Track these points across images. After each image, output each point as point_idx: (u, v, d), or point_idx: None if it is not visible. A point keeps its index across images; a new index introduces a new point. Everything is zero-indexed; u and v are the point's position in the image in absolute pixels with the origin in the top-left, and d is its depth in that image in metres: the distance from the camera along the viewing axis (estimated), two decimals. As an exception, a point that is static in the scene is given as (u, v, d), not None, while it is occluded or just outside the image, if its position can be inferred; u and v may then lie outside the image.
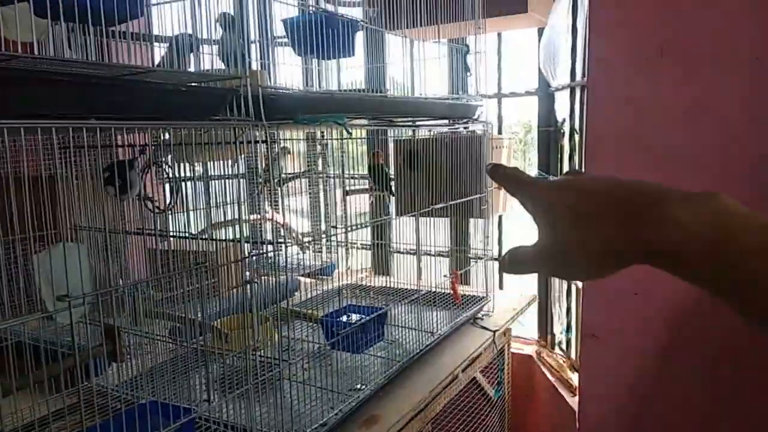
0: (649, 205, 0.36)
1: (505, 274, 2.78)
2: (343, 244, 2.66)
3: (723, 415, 1.62)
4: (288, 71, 1.71)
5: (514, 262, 0.46)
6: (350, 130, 1.35)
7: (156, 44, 1.23)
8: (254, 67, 1.87)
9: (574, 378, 2.30)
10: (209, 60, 1.37)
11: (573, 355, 2.43)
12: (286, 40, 1.66)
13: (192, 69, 1.25)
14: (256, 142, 1.07)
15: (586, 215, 0.39)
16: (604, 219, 0.38)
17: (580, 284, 2.22)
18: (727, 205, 0.35)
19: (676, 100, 1.56)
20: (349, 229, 2.00)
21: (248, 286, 1.10)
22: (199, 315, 1.30)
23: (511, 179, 0.46)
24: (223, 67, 1.32)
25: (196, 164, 1.25)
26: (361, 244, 2.77)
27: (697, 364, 1.64)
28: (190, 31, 1.12)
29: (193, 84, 1.06)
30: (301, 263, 2.52)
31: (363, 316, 1.60)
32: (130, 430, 0.94)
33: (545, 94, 2.52)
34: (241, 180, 1.23)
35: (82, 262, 1.20)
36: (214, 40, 1.32)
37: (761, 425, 1.56)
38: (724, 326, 1.57)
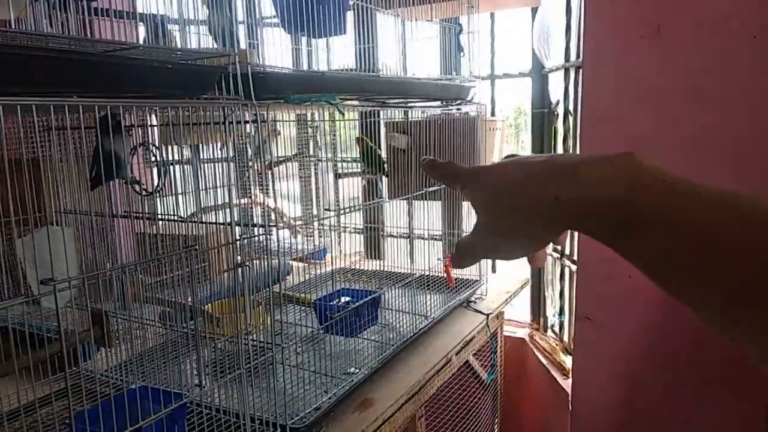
0: (563, 169, 0.38)
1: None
2: (335, 228, 2.64)
3: (714, 398, 1.63)
4: (277, 51, 1.67)
5: (460, 253, 0.47)
6: (342, 110, 1.32)
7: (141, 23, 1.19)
8: (242, 46, 1.83)
9: (567, 361, 2.31)
10: (198, 39, 1.34)
11: (566, 338, 2.44)
12: (274, 20, 1.62)
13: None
14: (246, 122, 1.04)
15: (507, 187, 0.41)
16: (523, 187, 0.40)
17: (573, 267, 2.22)
18: (638, 163, 0.35)
19: (674, 79, 1.54)
20: (341, 212, 1.97)
21: (240, 269, 1.07)
22: (190, 299, 1.27)
23: (446, 173, 0.47)
24: (211, 45, 1.29)
25: (184, 146, 1.21)
26: (353, 228, 2.75)
27: (690, 346, 1.64)
28: (175, 9, 1.08)
29: (180, 62, 1.02)
30: (293, 247, 2.49)
31: (357, 300, 1.58)
32: (120, 415, 0.92)
33: (539, 75, 2.50)
34: (231, 163, 1.20)
35: (68, 245, 1.18)
36: (201, 20, 1.28)
37: (752, 405, 1.57)
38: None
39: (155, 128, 1.37)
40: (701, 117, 1.50)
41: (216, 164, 1.24)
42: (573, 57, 2.20)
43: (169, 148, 1.26)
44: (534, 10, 2.40)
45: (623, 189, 0.34)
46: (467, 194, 0.45)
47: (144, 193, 1.20)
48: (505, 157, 0.46)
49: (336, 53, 1.96)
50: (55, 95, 0.79)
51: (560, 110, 2.38)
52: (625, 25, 1.58)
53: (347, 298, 1.65)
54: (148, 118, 1.40)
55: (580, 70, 1.89)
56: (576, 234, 2.05)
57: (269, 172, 2.34)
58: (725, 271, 0.31)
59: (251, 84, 1.06)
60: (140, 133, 1.40)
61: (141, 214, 1.27)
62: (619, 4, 1.60)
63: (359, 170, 2.29)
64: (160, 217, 1.24)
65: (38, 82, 0.72)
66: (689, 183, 0.33)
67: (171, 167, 1.31)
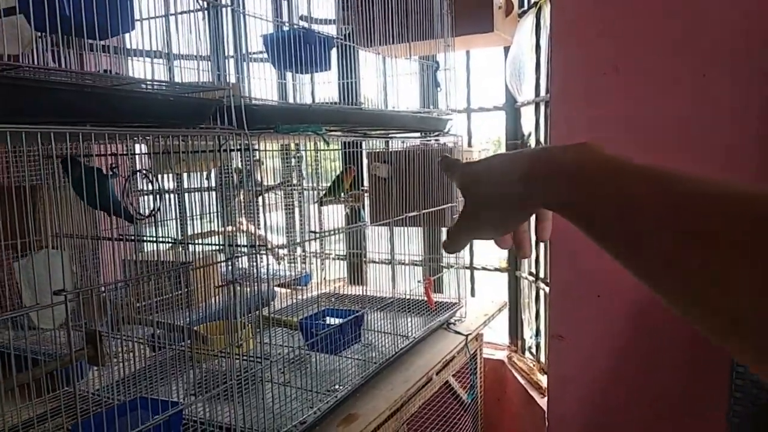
0: (529, 154, 0.46)
1: (469, 272, 2.87)
2: (318, 254, 2.71)
3: (687, 411, 1.72)
4: (262, 85, 1.78)
5: (450, 236, 0.55)
6: (328, 140, 1.42)
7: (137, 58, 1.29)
8: (232, 80, 1.93)
9: (544, 380, 2.39)
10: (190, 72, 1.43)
11: (542, 359, 2.52)
12: (260, 55, 1.73)
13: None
14: (239, 150, 1.13)
15: (485, 173, 0.50)
16: (496, 171, 0.49)
17: (547, 290, 2.32)
18: (591, 148, 0.42)
19: (631, 113, 1.68)
20: (323, 235, 2.05)
21: (232, 285, 1.15)
22: (183, 319, 1.34)
23: (447, 167, 0.57)
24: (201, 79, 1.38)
25: (179, 173, 1.30)
26: (336, 255, 2.83)
27: (659, 361, 1.74)
28: (174, 45, 1.18)
29: (181, 95, 1.11)
30: (277, 273, 2.56)
31: (341, 319, 1.65)
32: (121, 424, 0.98)
33: (512, 108, 2.64)
34: (222, 187, 1.28)
35: (65, 267, 1.24)
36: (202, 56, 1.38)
37: (721, 419, 1.66)
38: (684, 324, 1.68)
39: (146, 156, 1.46)
40: (657, 149, 1.64)
41: (206, 191, 1.33)
42: (543, 92, 2.34)
43: (165, 175, 1.34)
44: (506, 49, 2.55)
45: (575, 167, 0.41)
46: (457, 181, 0.54)
47: (139, 216, 1.28)
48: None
49: (319, 87, 2.08)
50: (64, 125, 0.87)
51: (532, 141, 2.51)
52: (587, 64, 1.73)
53: (333, 318, 1.72)
54: (139, 147, 1.49)
55: (549, 105, 2.03)
56: (548, 255, 2.15)
57: (256, 199, 2.42)
58: (647, 237, 0.34)
59: (244, 115, 1.16)
60: (135, 160, 1.48)
61: (137, 237, 1.34)
62: (581, 46, 1.74)
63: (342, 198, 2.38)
64: (156, 239, 1.31)
65: (60, 113, 0.80)
66: (629, 162, 0.39)
67: (166, 194, 1.39)
